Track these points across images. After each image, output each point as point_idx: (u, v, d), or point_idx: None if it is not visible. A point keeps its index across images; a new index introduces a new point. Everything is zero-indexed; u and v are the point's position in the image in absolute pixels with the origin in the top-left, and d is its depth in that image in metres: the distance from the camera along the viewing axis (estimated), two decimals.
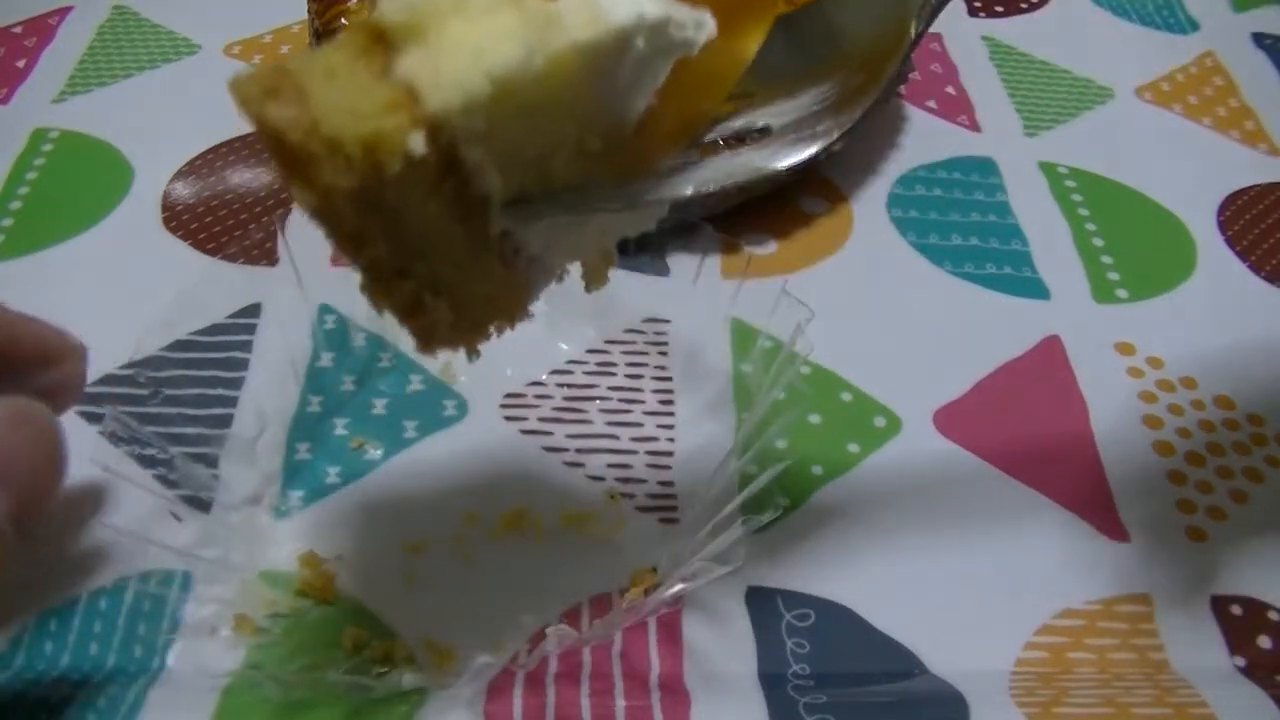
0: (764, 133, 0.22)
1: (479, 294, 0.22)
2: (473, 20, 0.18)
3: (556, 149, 0.20)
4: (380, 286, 0.21)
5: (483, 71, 0.17)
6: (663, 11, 0.19)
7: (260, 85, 0.18)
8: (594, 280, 0.25)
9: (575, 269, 0.25)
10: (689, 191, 0.21)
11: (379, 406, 0.34)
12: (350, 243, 0.19)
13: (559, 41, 0.18)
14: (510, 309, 0.23)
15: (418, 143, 0.17)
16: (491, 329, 0.23)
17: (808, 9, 0.23)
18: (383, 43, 0.18)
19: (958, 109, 0.48)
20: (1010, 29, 0.53)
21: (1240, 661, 0.30)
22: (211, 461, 0.31)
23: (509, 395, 0.35)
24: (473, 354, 0.23)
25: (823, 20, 0.23)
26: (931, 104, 0.48)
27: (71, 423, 0.29)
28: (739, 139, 0.22)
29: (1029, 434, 0.35)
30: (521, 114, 0.18)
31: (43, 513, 0.25)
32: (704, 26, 0.20)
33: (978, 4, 0.55)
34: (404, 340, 0.36)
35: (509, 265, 0.22)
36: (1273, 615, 0.31)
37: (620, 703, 0.27)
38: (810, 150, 0.21)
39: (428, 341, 0.22)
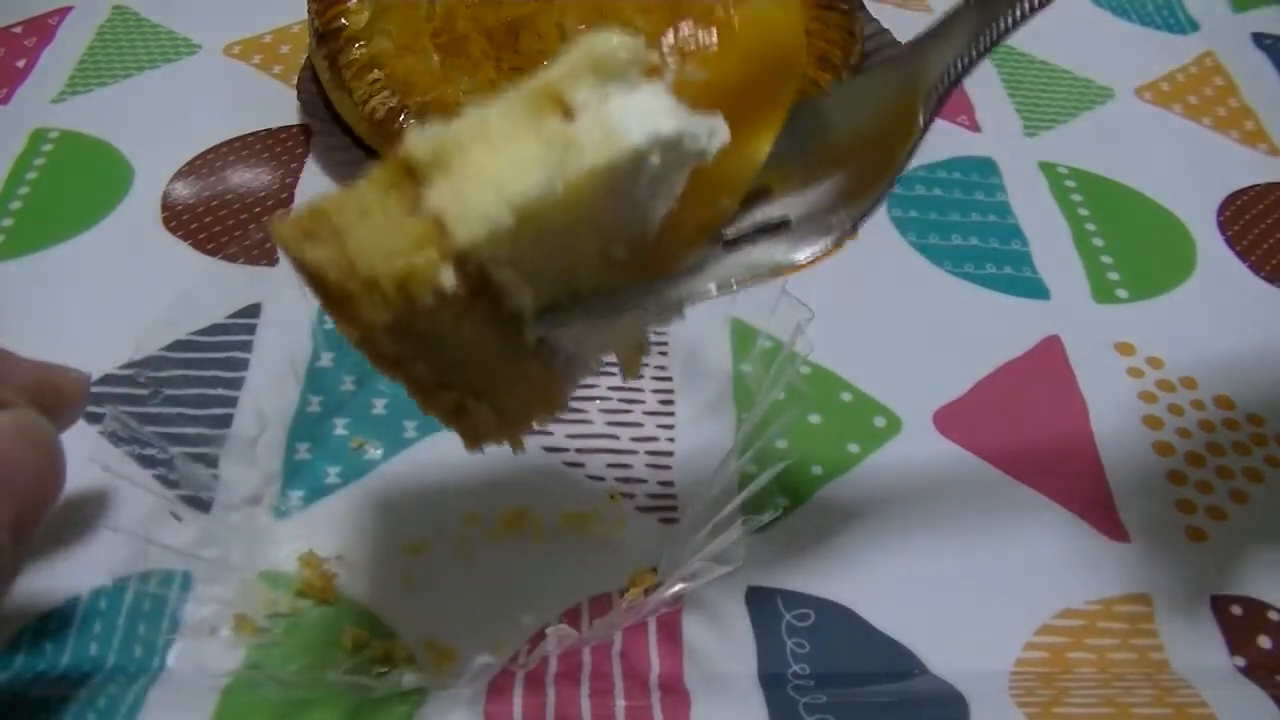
0: (782, 224, 0.22)
1: (518, 395, 0.23)
2: (494, 149, 0.19)
3: (582, 260, 0.21)
4: (424, 397, 0.22)
5: (505, 202, 0.18)
6: (677, 126, 0.19)
7: (298, 228, 0.18)
8: (629, 370, 0.26)
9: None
10: (713, 289, 0.22)
11: (379, 406, 0.34)
12: (392, 364, 0.20)
13: (577, 166, 0.18)
14: (550, 404, 0.24)
15: (448, 276, 0.18)
16: (534, 423, 0.24)
17: (818, 103, 0.23)
18: (411, 176, 0.19)
19: (958, 109, 0.48)
20: None
21: (1240, 661, 0.30)
22: (211, 461, 0.31)
23: None
24: (518, 448, 0.24)
25: (834, 113, 0.23)
26: None
27: None
28: (759, 231, 0.22)
29: (1029, 434, 0.35)
30: (546, 235, 0.19)
31: (40, 524, 0.25)
32: (717, 134, 0.20)
33: None
34: None
35: (546, 366, 0.23)
36: (1273, 615, 0.31)
37: (620, 703, 0.27)
38: (826, 241, 0.22)
39: (474, 440, 0.23)
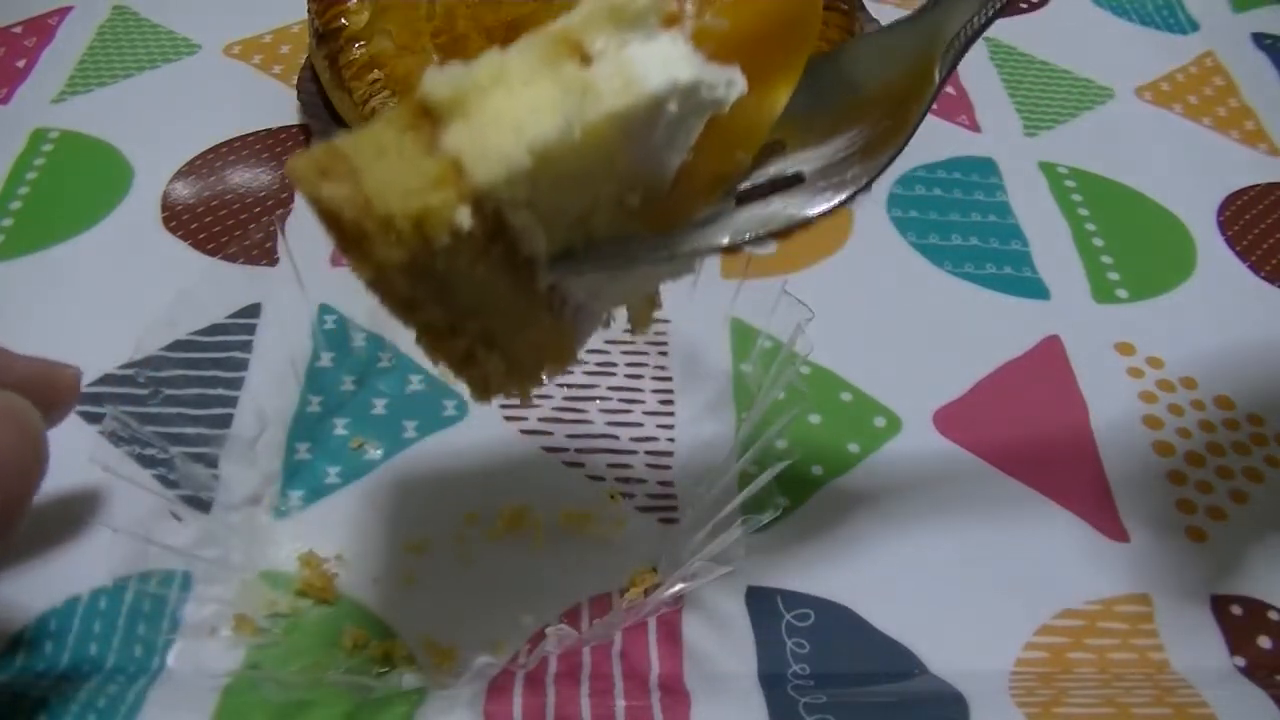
0: (796, 179, 0.22)
1: (529, 344, 0.23)
2: (513, 93, 0.19)
3: (597, 207, 0.21)
4: (434, 343, 0.21)
5: (524, 145, 0.18)
6: (694, 74, 0.19)
7: (314, 165, 0.18)
8: (639, 324, 0.26)
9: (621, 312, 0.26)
10: (725, 241, 0.22)
11: (379, 406, 0.34)
12: (405, 307, 0.20)
13: (595, 111, 0.18)
14: (560, 355, 0.24)
15: (464, 216, 0.18)
16: (543, 375, 0.24)
17: (835, 57, 0.23)
18: (428, 117, 0.19)
19: (958, 109, 0.48)
20: (1010, 29, 0.53)
21: (1240, 661, 0.30)
22: (211, 461, 0.31)
23: None
24: (526, 400, 0.24)
25: (850, 68, 0.24)
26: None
27: (71, 423, 0.29)
28: (773, 186, 0.22)
29: (1029, 434, 0.35)
30: (562, 179, 0.19)
31: (24, 512, 0.25)
32: (734, 85, 0.20)
33: None
34: (404, 340, 0.36)
35: (557, 315, 0.23)
36: (1273, 615, 0.31)
37: (620, 703, 0.27)
38: (841, 196, 0.22)
39: (483, 390, 0.23)
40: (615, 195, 0.21)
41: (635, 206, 0.21)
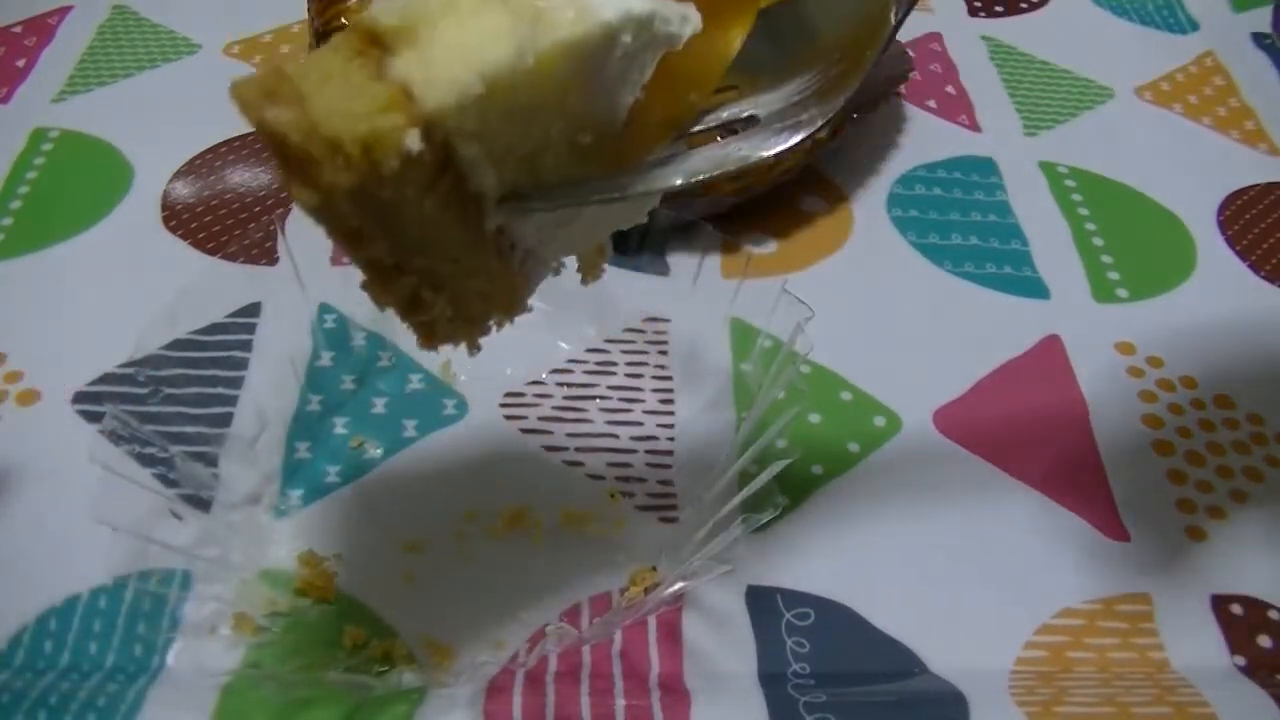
0: (751, 122, 0.22)
1: (476, 288, 0.22)
2: (463, 21, 0.18)
3: (549, 144, 0.21)
4: (380, 282, 0.21)
5: (475, 71, 0.18)
6: (648, 7, 0.19)
7: (260, 89, 0.18)
8: (589, 273, 0.26)
9: (571, 262, 0.25)
10: (679, 182, 0.21)
11: (379, 405, 0.34)
12: (350, 240, 0.20)
13: (547, 40, 0.18)
14: (508, 302, 0.24)
15: (414, 141, 0.18)
16: (491, 323, 0.24)
17: (790, 3, 0.23)
18: (377, 45, 0.18)
19: (958, 109, 0.48)
20: (1010, 29, 0.53)
21: (1240, 661, 0.30)
22: (211, 460, 0.31)
23: (509, 394, 0.35)
24: (473, 348, 0.24)
25: (804, 10, 0.23)
26: (931, 104, 0.48)
27: (71, 421, 0.30)
28: (727, 129, 0.22)
29: (1029, 434, 0.35)
30: (513, 111, 0.19)
31: None
32: (689, 21, 0.20)
33: (978, 4, 0.55)
34: (404, 339, 0.36)
35: (505, 259, 0.22)
36: (1273, 615, 0.31)
37: (620, 702, 0.27)
38: (796, 137, 0.22)
39: (429, 336, 0.23)
40: (566, 134, 0.21)
41: (587, 144, 0.21)
